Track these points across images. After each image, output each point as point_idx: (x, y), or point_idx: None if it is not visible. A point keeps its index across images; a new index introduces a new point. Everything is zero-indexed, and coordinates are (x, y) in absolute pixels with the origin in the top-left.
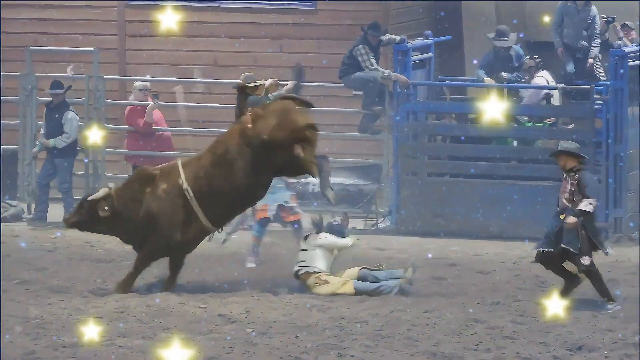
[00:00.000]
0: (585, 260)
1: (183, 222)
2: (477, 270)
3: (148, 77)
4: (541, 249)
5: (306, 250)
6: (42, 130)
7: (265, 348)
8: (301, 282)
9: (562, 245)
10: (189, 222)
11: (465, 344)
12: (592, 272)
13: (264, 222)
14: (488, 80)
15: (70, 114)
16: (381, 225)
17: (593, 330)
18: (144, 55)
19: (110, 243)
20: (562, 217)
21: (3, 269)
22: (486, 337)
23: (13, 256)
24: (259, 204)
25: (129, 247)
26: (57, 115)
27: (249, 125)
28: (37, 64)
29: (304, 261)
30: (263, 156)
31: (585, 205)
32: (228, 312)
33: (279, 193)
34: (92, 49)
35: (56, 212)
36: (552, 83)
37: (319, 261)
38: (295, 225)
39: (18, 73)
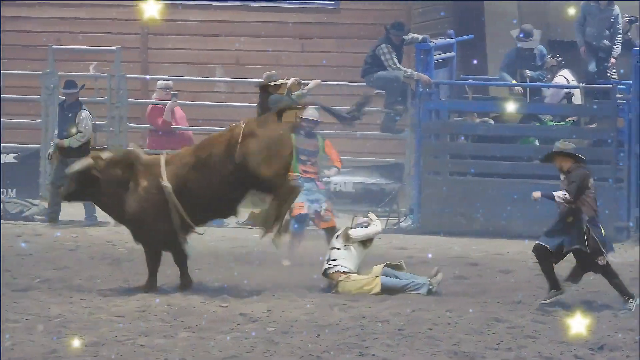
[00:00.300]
0: (601, 261)
1: (165, 215)
2: (499, 270)
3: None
4: (541, 243)
5: (338, 249)
6: (55, 131)
7: (287, 347)
8: (329, 281)
9: (576, 247)
10: (169, 216)
11: (486, 343)
12: (608, 272)
13: (300, 218)
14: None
15: (84, 113)
16: (403, 224)
17: (614, 330)
18: (166, 54)
19: (132, 242)
20: (568, 219)
21: (25, 267)
22: (507, 337)
23: (35, 255)
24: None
25: None
26: (70, 115)
27: (238, 141)
28: (59, 62)
29: (335, 260)
30: (241, 176)
31: (558, 195)
32: (249, 311)
33: (314, 196)
34: (115, 47)
35: (72, 211)
36: (573, 82)
37: (349, 261)
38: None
39: (40, 72)
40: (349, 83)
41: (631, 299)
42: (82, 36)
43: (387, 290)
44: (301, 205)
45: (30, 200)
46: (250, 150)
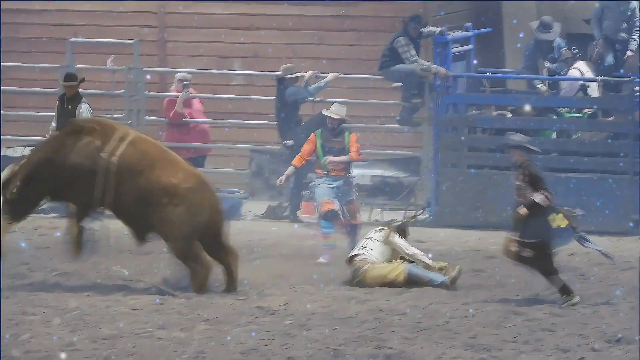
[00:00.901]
0: (526, 253)
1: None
2: (516, 263)
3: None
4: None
5: (376, 241)
6: (53, 123)
7: (304, 340)
8: (353, 268)
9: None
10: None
11: (503, 336)
12: (524, 262)
13: (330, 215)
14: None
15: (84, 106)
16: (420, 217)
17: (632, 323)
18: (184, 47)
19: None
20: (526, 213)
21: (42, 261)
22: (524, 330)
23: (53, 248)
24: (322, 199)
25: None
26: (70, 107)
27: (173, 180)
28: (77, 55)
29: (370, 249)
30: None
31: (540, 198)
32: (267, 304)
33: (342, 193)
34: (132, 40)
35: None
36: (589, 74)
37: (381, 256)
38: (351, 230)
39: (58, 65)
40: (367, 76)
41: (568, 297)
42: (100, 29)
43: (412, 278)
44: (329, 202)
45: None
46: (178, 197)
